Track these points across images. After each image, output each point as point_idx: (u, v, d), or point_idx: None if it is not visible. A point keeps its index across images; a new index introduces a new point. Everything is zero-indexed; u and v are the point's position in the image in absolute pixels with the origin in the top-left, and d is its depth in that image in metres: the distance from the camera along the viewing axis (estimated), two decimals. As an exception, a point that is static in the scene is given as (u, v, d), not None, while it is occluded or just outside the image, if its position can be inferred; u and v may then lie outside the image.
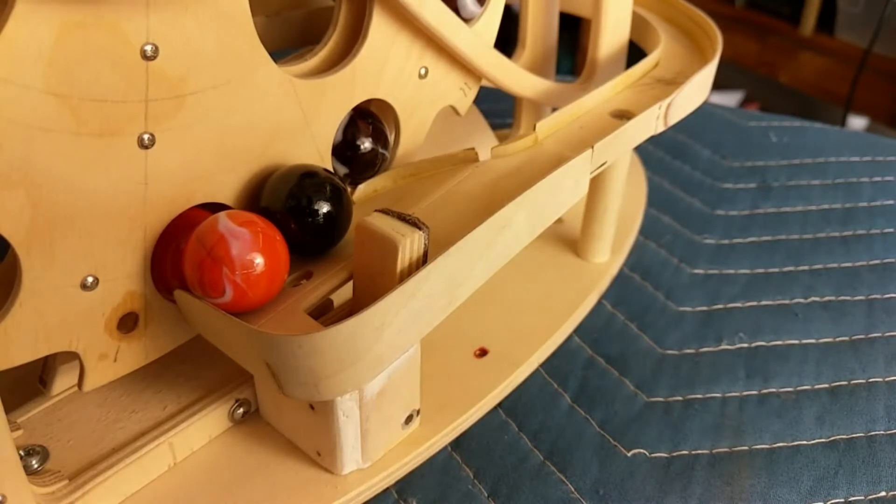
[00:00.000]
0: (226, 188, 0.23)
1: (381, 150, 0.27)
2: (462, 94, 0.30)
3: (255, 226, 0.21)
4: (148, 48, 0.19)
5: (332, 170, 0.26)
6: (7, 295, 0.20)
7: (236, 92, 0.22)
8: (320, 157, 0.26)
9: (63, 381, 0.26)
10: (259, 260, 0.21)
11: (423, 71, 0.28)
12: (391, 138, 0.28)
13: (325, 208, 0.23)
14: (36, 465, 0.23)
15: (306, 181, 0.23)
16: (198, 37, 0.20)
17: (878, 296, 0.35)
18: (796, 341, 0.33)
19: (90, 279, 0.21)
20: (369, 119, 0.27)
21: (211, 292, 0.21)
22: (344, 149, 0.27)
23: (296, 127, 0.24)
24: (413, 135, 0.29)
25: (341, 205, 0.24)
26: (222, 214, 0.21)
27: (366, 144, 0.27)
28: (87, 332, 0.22)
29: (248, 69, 0.22)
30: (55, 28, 0.18)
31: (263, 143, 0.24)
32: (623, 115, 0.30)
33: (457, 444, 0.28)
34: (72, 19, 0.18)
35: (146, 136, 0.20)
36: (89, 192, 0.20)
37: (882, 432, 0.29)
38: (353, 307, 0.23)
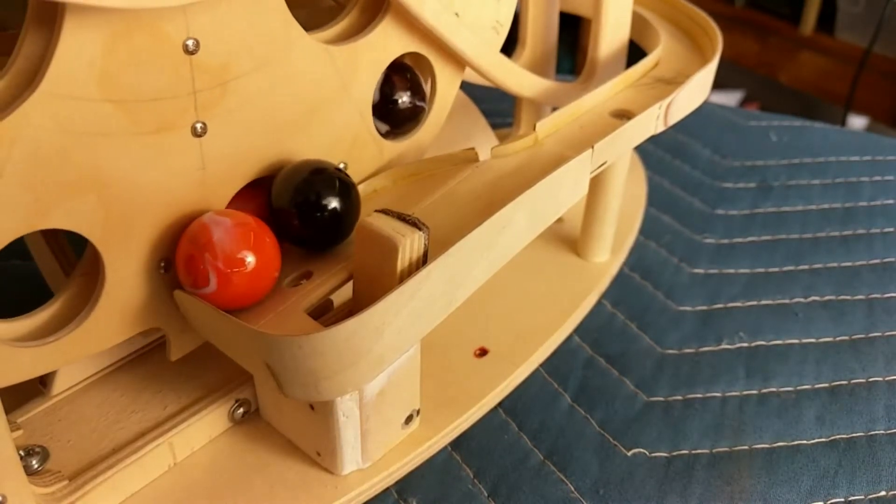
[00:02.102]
0: (276, 161, 0.24)
1: (419, 103, 0.28)
2: (495, 33, 0.29)
3: (237, 217, 0.22)
4: (189, 43, 0.20)
5: (374, 128, 0.27)
6: (92, 284, 0.22)
7: (276, 69, 0.23)
8: (361, 117, 0.26)
9: (63, 381, 0.26)
10: (241, 245, 0.21)
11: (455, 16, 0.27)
12: (427, 89, 0.28)
13: (334, 203, 0.23)
14: (36, 466, 0.23)
15: (316, 177, 0.23)
16: (234, 24, 0.21)
17: (878, 296, 0.35)
18: (796, 341, 0.33)
19: (164, 262, 0.23)
20: (405, 73, 0.27)
21: (197, 282, 0.22)
22: (382, 106, 0.27)
23: (336, 93, 0.25)
24: (449, 83, 0.29)
25: (350, 200, 0.24)
26: (210, 212, 0.22)
27: (403, 99, 0.27)
28: (169, 310, 0.24)
29: (284, 46, 0.23)
30: (102, 40, 0.19)
31: (307, 113, 0.24)
32: (623, 115, 0.30)
33: (457, 444, 0.28)
34: (116, 29, 0.19)
35: (198, 125, 0.22)
36: (154, 185, 0.21)
37: (882, 432, 0.29)
38: (353, 307, 0.23)
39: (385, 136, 0.28)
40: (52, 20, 0.18)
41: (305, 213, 0.23)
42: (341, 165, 0.26)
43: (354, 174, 0.27)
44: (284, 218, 0.23)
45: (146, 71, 0.20)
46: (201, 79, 0.21)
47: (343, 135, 0.26)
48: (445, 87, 0.29)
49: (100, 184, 0.20)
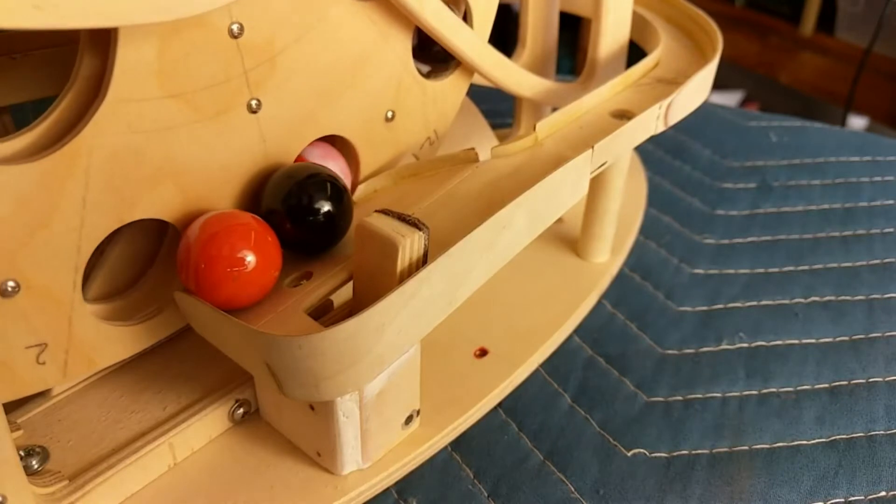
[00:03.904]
0: (330, 121, 0.26)
1: None
2: None
3: (210, 229, 0.22)
4: (234, 27, 0.22)
5: (416, 70, 0.28)
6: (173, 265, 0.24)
7: (318, 36, 0.24)
8: (403, 64, 0.27)
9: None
10: (195, 260, 0.22)
11: None
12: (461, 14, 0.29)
13: (325, 207, 0.23)
14: (36, 466, 0.23)
15: (308, 181, 0.23)
16: (272, 1, 0.22)
17: (878, 296, 0.35)
18: (796, 341, 0.33)
19: None
20: None
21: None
22: (421, 48, 0.28)
23: (376, 46, 0.26)
24: (486, 12, 0.29)
25: (342, 204, 0.24)
26: (209, 213, 0.22)
27: None
28: None
29: (322, 12, 0.24)
30: (155, 42, 0.20)
31: (352, 70, 0.26)
32: (623, 115, 0.30)
33: (457, 444, 0.28)
34: (165, 29, 0.20)
35: (253, 102, 0.23)
36: (221, 164, 0.23)
37: (882, 432, 0.29)
38: (353, 308, 0.23)
39: (426, 76, 0.28)
40: (106, 34, 0.19)
41: (294, 217, 0.23)
42: (389, 114, 0.28)
43: (402, 117, 0.28)
44: (274, 221, 0.23)
45: (198, 62, 0.21)
46: (249, 58, 0.22)
47: (387, 83, 0.27)
48: (481, 14, 0.29)
49: (174, 172, 0.22)
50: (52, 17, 0.16)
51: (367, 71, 0.26)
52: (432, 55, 0.29)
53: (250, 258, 0.21)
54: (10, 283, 0.20)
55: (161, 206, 0.22)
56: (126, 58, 0.20)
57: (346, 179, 0.27)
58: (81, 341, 0.22)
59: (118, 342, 0.23)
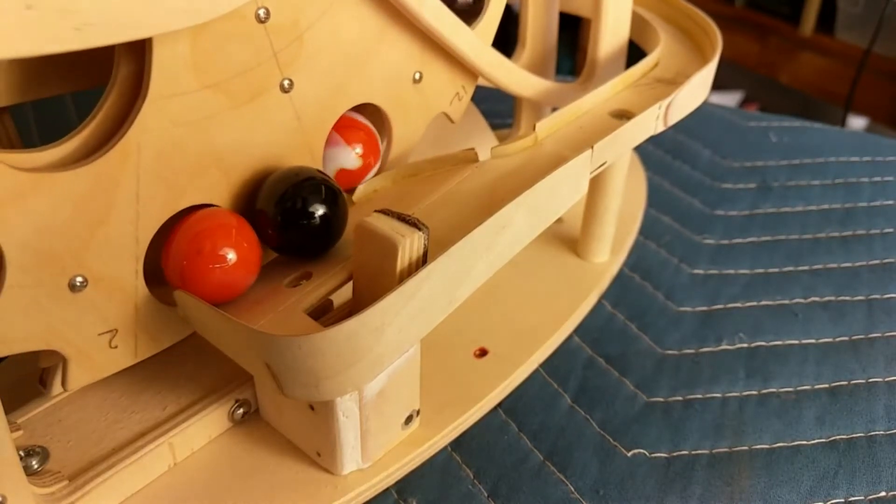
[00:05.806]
0: (360, 91, 0.26)
1: None
2: None
3: (188, 232, 0.22)
4: (261, 13, 0.22)
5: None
6: None
7: (341, 9, 0.24)
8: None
9: (63, 382, 0.26)
10: (175, 256, 0.22)
11: None
12: None
13: (320, 210, 0.23)
14: (36, 466, 0.23)
15: (303, 184, 0.23)
16: None
17: (878, 296, 0.35)
18: (796, 341, 0.33)
19: None
20: None
21: None
22: (447, 3, 0.28)
23: (397, 12, 0.26)
24: (497, 7, 0.29)
25: (337, 206, 0.24)
26: (202, 211, 0.23)
27: None
28: None
29: None
30: (188, 38, 0.21)
31: (376, 39, 0.26)
32: (623, 115, 0.30)
33: (457, 444, 0.28)
34: (196, 25, 0.20)
35: (285, 82, 0.24)
36: (260, 146, 0.24)
37: (882, 432, 0.29)
38: (353, 307, 0.23)
39: None
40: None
41: (287, 221, 0.23)
42: (416, 75, 0.28)
43: (430, 77, 0.28)
44: (263, 228, 0.24)
45: (230, 50, 0.22)
46: (278, 40, 0.23)
47: (412, 47, 0.27)
48: (495, 8, 0.29)
49: (217, 158, 0.23)
50: (92, 36, 0.17)
51: (392, 36, 0.26)
52: (456, 9, 0.29)
53: (176, 256, 0.22)
54: (79, 279, 0.21)
55: (208, 191, 0.23)
56: (162, 57, 0.20)
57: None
58: (147, 324, 0.24)
59: (180, 322, 0.24)
